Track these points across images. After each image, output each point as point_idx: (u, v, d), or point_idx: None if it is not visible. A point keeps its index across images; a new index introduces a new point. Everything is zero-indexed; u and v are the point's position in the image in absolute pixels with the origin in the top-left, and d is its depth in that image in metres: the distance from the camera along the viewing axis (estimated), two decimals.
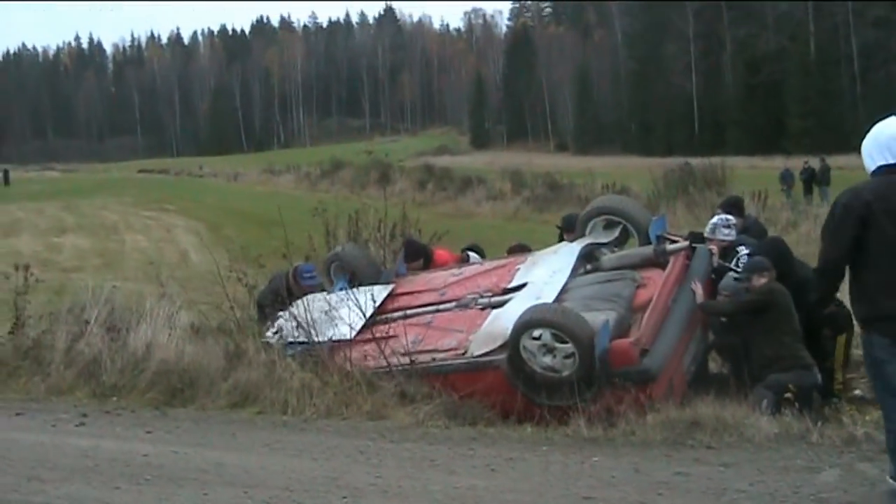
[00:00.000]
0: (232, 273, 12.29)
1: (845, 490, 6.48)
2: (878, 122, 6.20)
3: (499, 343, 8.96)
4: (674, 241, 10.04)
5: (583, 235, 10.53)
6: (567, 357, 8.43)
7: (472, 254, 12.37)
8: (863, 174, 6.09)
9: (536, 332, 8.50)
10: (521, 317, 8.68)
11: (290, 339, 10.48)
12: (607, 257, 10.19)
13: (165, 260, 25.48)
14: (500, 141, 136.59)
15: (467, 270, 11.17)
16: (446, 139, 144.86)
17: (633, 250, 10.27)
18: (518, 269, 10.54)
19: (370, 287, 11.17)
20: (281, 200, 43.49)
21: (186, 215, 46.20)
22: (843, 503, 6.25)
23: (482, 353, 9.07)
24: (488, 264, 11.27)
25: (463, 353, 9.29)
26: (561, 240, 11.82)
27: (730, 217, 10.13)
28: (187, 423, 9.64)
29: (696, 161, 39.17)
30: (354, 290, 11.03)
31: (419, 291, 11.06)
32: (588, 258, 10.27)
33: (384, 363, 9.61)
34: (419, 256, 12.20)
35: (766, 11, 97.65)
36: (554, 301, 9.32)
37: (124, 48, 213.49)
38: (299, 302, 11.06)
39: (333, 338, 10.20)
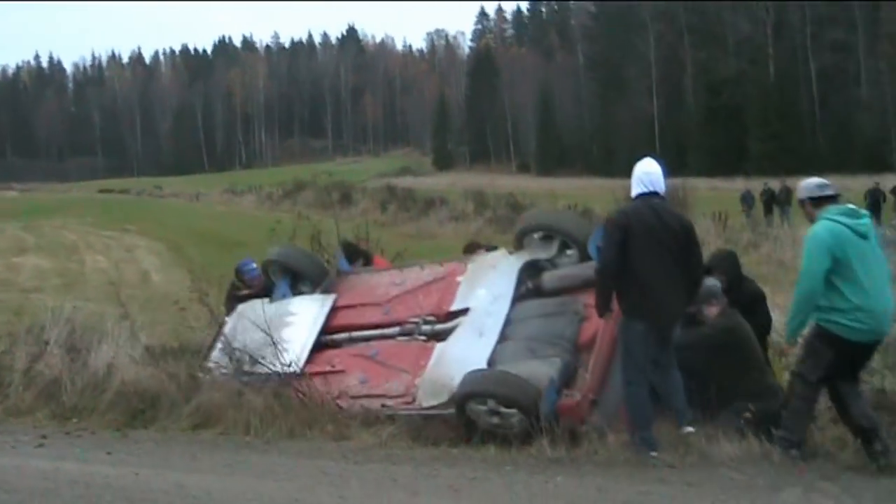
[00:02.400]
0: (194, 293, 12.24)
1: None
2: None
3: (445, 398, 8.92)
4: None
5: (520, 249, 10.28)
6: (513, 417, 8.42)
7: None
8: None
9: (480, 399, 8.51)
10: (463, 384, 8.61)
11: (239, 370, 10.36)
12: (548, 277, 9.90)
13: (126, 280, 25.33)
14: (462, 162, 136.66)
15: (409, 279, 10.94)
16: (409, 160, 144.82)
17: (574, 269, 9.81)
18: (460, 283, 10.34)
19: (312, 297, 11.10)
20: (243, 220, 43.44)
21: (147, 235, 45.94)
22: None
23: (430, 406, 9.05)
24: (429, 271, 11.00)
25: (412, 401, 9.25)
26: None
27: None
28: (148, 444, 9.58)
29: None
30: (295, 299, 10.98)
31: (362, 305, 10.88)
32: (529, 275, 10.01)
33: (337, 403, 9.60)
34: (357, 259, 12.22)
35: (727, 35, 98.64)
36: (497, 338, 9.29)
37: (85, 67, 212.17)
38: (239, 318, 10.99)
39: (280, 370, 10.06)
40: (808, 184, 8.03)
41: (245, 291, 12.00)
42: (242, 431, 9.61)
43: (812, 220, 7.78)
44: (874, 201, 37.76)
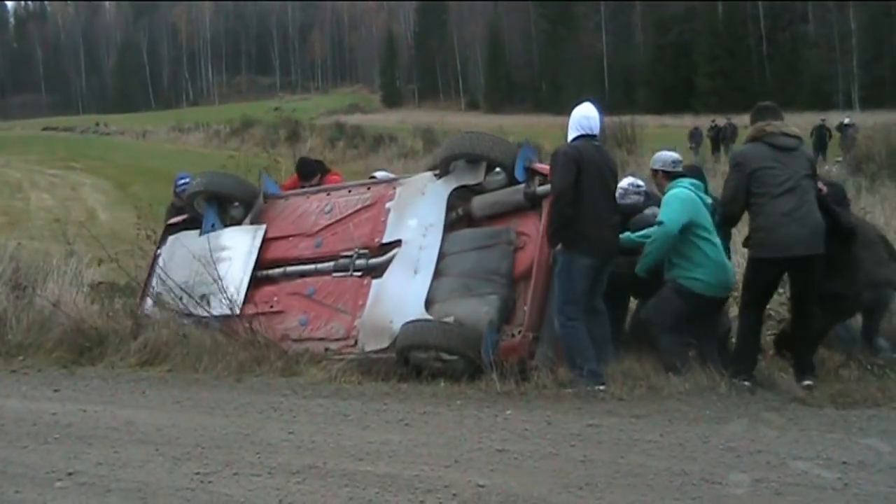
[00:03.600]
0: (140, 230, 12.12)
1: (752, 439, 6.63)
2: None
3: (386, 343, 8.94)
4: (545, 176, 9.18)
5: (447, 174, 9.97)
6: (457, 363, 8.48)
7: (380, 174, 11.67)
8: None
9: (421, 351, 8.58)
10: (403, 335, 8.65)
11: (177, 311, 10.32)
12: (478, 203, 9.65)
13: (72, 218, 24.95)
14: (411, 99, 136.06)
15: (337, 206, 10.60)
16: (358, 98, 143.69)
17: (503, 195, 9.52)
18: (389, 210, 10.08)
19: (242, 229, 10.93)
20: (190, 158, 43.02)
21: (93, 173, 45.38)
22: (750, 451, 6.37)
23: (373, 350, 9.06)
24: (356, 194, 10.65)
25: (353, 345, 9.26)
26: None
27: (640, 183, 10.01)
28: (96, 381, 9.53)
29: (606, 119, 39.38)
30: (226, 231, 10.90)
31: (293, 236, 10.67)
32: (458, 202, 9.81)
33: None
34: (314, 174, 12.06)
35: None
36: (432, 275, 9.22)
37: (26, 3, 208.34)
38: (170, 251, 10.92)
39: (216, 312, 10.04)
40: (665, 157, 8.98)
41: (180, 205, 11.81)
42: (191, 368, 9.58)
43: (662, 190, 8.83)
44: (820, 138, 38.05)
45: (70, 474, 6.60)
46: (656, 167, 8.96)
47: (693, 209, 8.40)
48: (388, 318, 9.01)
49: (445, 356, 8.48)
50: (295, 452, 6.83)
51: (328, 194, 10.95)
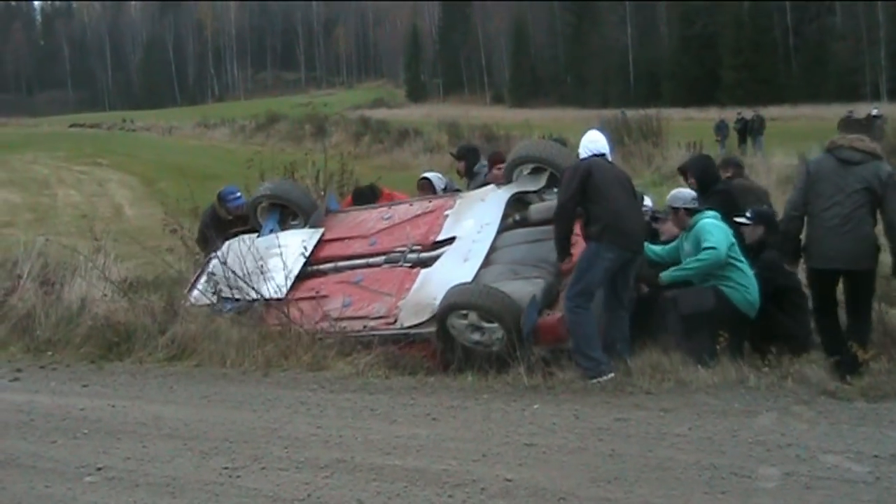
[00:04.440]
0: (167, 226, 12.16)
1: (782, 433, 6.58)
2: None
3: (427, 317, 8.96)
4: None
5: (510, 182, 10.27)
6: (495, 333, 8.47)
7: (431, 175, 12.26)
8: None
9: (462, 313, 8.53)
10: (446, 297, 8.65)
11: (224, 297, 10.36)
12: (535, 208, 9.98)
13: (99, 214, 25.09)
14: (436, 94, 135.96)
15: (397, 213, 10.98)
16: (382, 92, 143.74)
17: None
18: (447, 215, 10.39)
19: (299, 231, 11.07)
20: (216, 154, 43.17)
21: (120, 169, 45.57)
22: (780, 445, 6.33)
23: (411, 325, 9.08)
24: (418, 206, 11.03)
25: (393, 322, 9.27)
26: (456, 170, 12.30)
27: (648, 203, 10.40)
28: (124, 376, 9.57)
29: (631, 113, 39.23)
30: (283, 233, 10.95)
31: (349, 238, 10.91)
32: (516, 207, 10.12)
33: (319, 326, 9.58)
34: (370, 201, 12.06)
35: None
36: (482, 263, 9.31)
37: (53, 1, 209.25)
38: (227, 250, 10.92)
39: (266, 296, 10.11)
40: (684, 195, 9.25)
41: (229, 219, 11.92)
42: (218, 363, 9.61)
43: (683, 227, 9.07)
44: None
45: (99, 469, 6.65)
46: (677, 205, 9.20)
47: (729, 235, 8.76)
48: (431, 296, 9.05)
49: (485, 324, 8.45)
50: (323, 447, 6.85)
51: (389, 207, 11.25)
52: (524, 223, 9.94)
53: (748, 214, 9.23)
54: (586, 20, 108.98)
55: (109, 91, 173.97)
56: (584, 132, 8.96)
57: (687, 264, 8.70)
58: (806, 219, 8.16)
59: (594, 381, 7.94)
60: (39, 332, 10.97)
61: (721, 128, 42.77)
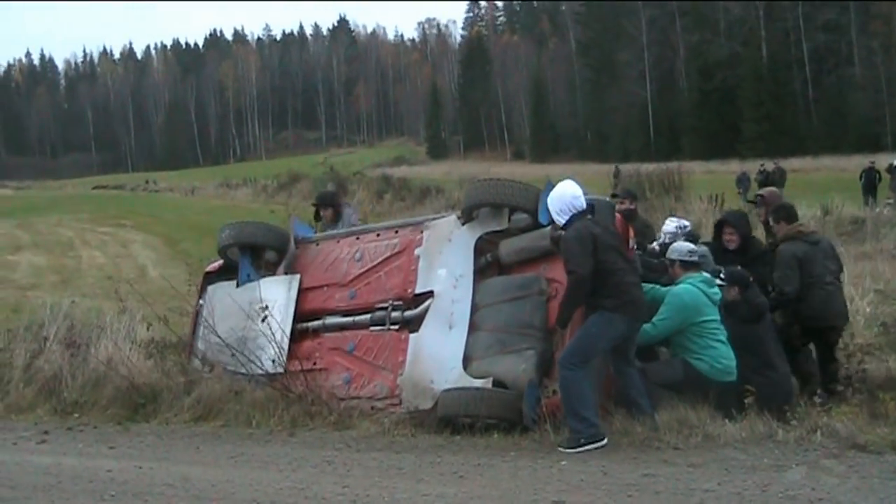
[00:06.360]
0: (191, 287, 12.20)
1: (813, 488, 6.52)
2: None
3: (430, 404, 9.00)
4: None
5: (470, 220, 9.96)
6: (501, 423, 8.56)
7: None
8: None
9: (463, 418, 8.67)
10: (444, 405, 8.76)
11: (227, 368, 10.38)
12: (505, 250, 9.67)
13: (123, 275, 25.18)
14: (457, 151, 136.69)
15: (367, 252, 10.66)
16: (403, 150, 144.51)
17: (528, 238, 9.52)
18: (418, 256, 10.13)
19: (277, 279, 10.95)
20: (238, 213, 43.33)
21: (143, 230, 45.80)
22: (811, 500, 6.28)
23: (417, 409, 9.12)
24: (384, 237, 10.71)
25: (399, 404, 9.29)
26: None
27: (686, 223, 10.35)
28: (150, 437, 9.58)
29: (652, 166, 39.26)
30: (263, 281, 10.89)
31: (327, 286, 10.74)
32: (485, 245, 9.85)
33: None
34: (329, 205, 12.17)
35: (719, 17, 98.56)
36: (468, 329, 9.27)
37: (76, 63, 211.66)
38: (212, 307, 10.92)
39: (262, 371, 10.10)
40: (682, 248, 9.25)
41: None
42: (244, 423, 9.63)
43: (675, 279, 9.08)
44: (869, 180, 37.70)
45: None
46: (673, 257, 9.20)
47: (692, 314, 8.74)
48: (428, 378, 9.11)
49: (489, 421, 8.56)
50: None
51: (357, 238, 10.99)
52: (496, 263, 9.77)
53: (721, 276, 9.14)
54: (605, 75, 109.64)
55: (132, 152, 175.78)
56: (609, 187, 8.91)
57: (641, 333, 8.64)
58: None
59: (581, 448, 7.79)
60: (66, 394, 11.01)
61: (742, 180, 42.86)
